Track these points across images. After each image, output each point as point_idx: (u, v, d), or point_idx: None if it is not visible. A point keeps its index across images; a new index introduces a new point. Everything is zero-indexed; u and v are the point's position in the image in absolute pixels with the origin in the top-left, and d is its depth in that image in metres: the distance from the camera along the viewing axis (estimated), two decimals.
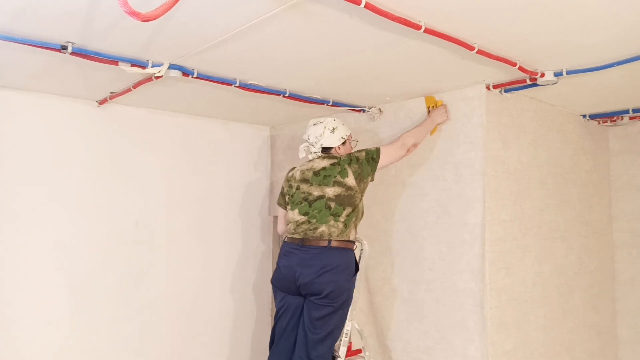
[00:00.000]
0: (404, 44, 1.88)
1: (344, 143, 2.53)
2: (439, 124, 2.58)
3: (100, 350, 2.85)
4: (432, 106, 2.61)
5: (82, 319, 2.80)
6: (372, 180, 2.48)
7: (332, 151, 2.52)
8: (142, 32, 1.79)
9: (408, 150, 2.52)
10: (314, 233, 2.39)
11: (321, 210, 2.40)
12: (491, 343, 2.32)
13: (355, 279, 2.44)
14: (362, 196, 2.47)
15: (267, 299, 3.62)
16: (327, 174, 2.43)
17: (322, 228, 2.37)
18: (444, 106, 2.56)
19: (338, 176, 2.41)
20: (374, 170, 2.45)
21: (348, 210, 2.40)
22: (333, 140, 2.48)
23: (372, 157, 2.44)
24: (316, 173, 2.45)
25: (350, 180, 2.40)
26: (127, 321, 2.95)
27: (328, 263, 2.34)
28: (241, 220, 3.50)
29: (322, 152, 2.52)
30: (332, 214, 2.39)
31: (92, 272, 2.84)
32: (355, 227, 2.49)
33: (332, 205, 2.39)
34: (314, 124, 2.52)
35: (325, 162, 2.47)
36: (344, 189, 2.39)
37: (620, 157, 3.26)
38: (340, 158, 2.47)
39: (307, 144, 2.55)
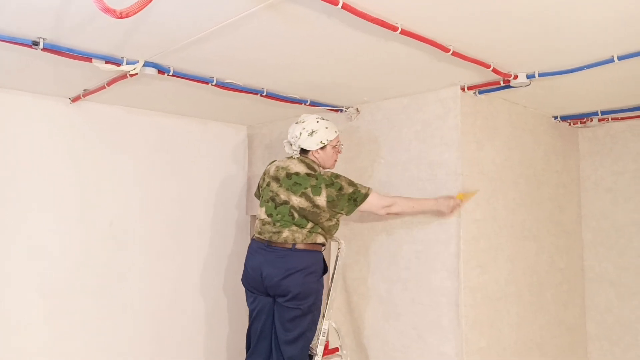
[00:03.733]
0: (380, 46, 1.90)
1: (323, 148, 2.42)
2: (439, 212, 2.39)
3: (76, 352, 2.80)
4: (462, 196, 2.38)
5: (57, 322, 2.74)
6: (347, 215, 2.38)
7: (310, 154, 2.44)
8: (116, 29, 1.76)
9: (388, 214, 2.40)
10: (278, 238, 2.34)
11: (284, 216, 2.35)
12: (466, 340, 2.36)
13: (322, 280, 2.40)
14: (333, 217, 2.36)
15: (243, 299, 3.59)
16: (299, 182, 2.35)
17: (286, 233, 2.33)
18: (458, 203, 2.34)
19: (309, 189, 2.32)
20: (350, 210, 2.34)
21: (312, 224, 2.34)
22: (310, 144, 2.39)
23: (355, 199, 2.32)
24: (288, 176, 2.39)
25: (321, 200, 2.30)
26: (103, 323, 2.90)
27: (293, 265, 2.30)
28: (218, 220, 3.47)
29: (300, 153, 2.47)
30: (295, 224, 2.33)
31: (66, 274, 2.78)
32: (326, 234, 2.40)
33: (296, 215, 2.33)
34: (296, 123, 2.44)
35: (302, 168, 2.38)
36: (310, 205, 2.32)
37: (589, 158, 3.36)
38: (318, 173, 2.36)
39: (287, 141, 2.50)
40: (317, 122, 2.40)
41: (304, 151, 2.45)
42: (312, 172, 2.37)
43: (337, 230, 2.47)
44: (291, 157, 2.49)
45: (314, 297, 2.36)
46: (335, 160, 2.52)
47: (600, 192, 3.29)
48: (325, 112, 3.01)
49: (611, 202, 3.23)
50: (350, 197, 2.32)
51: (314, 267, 2.35)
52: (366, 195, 2.33)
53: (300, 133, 2.39)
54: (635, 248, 3.11)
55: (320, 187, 2.31)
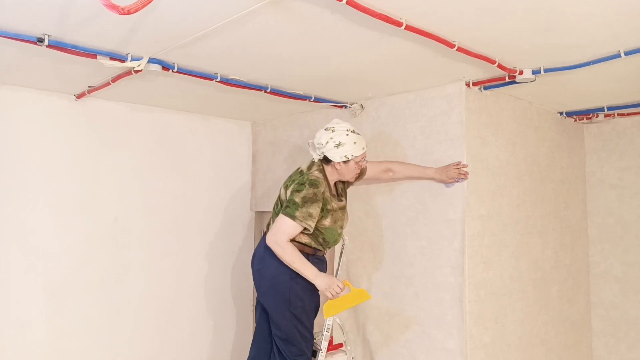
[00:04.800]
0: (385, 41, 1.89)
1: (346, 162, 2.31)
2: (314, 282, 2.25)
3: (77, 350, 2.81)
4: (347, 284, 2.31)
5: (58, 319, 2.75)
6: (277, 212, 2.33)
7: (331, 165, 2.34)
8: (121, 26, 1.76)
9: (275, 243, 2.23)
10: (267, 227, 2.42)
11: (274, 208, 2.43)
12: (470, 336, 2.37)
13: (301, 280, 2.28)
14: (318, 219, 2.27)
15: (248, 296, 3.61)
16: (292, 176, 2.39)
17: (272, 225, 2.38)
18: (337, 289, 2.21)
19: (291, 183, 2.33)
20: (276, 212, 2.33)
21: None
22: (334, 155, 2.28)
23: (287, 206, 2.23)
24: (295, 172, 2.43)
25: (284, 195, 2.34)
26: (104, 320, 2.91)
27: (269, 254, 2.30)
28: (222, 217, 3.48)
29: (323, 159, 2.35)
30: (276, 213, 2.37)
31: (68, 271, 2.79)
32: (312, 237, 2.32)
33: (276, 205, 2.39)
34: (325, 129, 2.31)
35: (304, 165, 2.40)
36: (281, 199, 2.37)
37: (595, 154, 3.34)
38: (307, 172, 2.32)
39: (312, 142, 2.38)
40: (347, 135, 2.27)
41: (327, 158, 2.34)
42: (304, 170, 2.36)
43: (327, 236, 2.35)
44: (312, 162, 2.40)
45: (287, 294, 2.30)
46: (357, 174, 2.42)
47: (605, 188, 3.28)
48: (330, 108, 3.01)
49: (617, 198, 3.22)
50: (289, 203, 2.24)
51: (281, 264, 2.28)
52: (291, 217, 2.20)
53: (327, 142, 2.27)
54: None
55: (293, 182, 2.32)
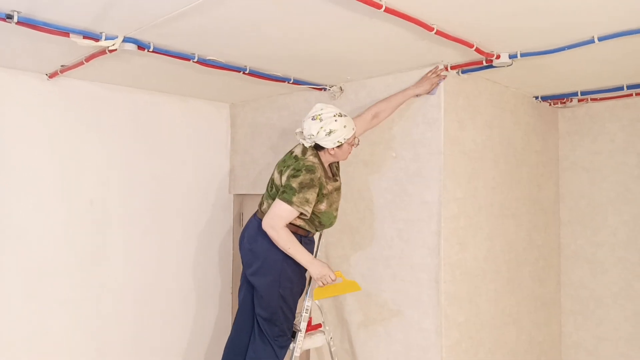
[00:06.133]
0: (364, 23, 1.89)
1: (340, 146, 2.31)
2: (308, 269, 2.30)
3: (56, 332, 2.79)
4: (339, 274, 2.36)
5: (36, 302, 2.72)
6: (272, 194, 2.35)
7: (324, 150, 2.33)
8: (95, 3, 1.71)
9: (271, 228, 2.25)
10: (260, 208, 2.45)
11: (266, 188, 2.46)
12: (445, 316, 2.43)
13: (292, 262, 2.33)
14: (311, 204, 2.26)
15: (227, 278, 3.62)
16: (286, 159, 2.38)
17: (265, 205, 2.41)
18: (328, 279, 2.28)
19: (286, 168, 2.33)
20: (271, 196, 2.36)
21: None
22: (326, 143, 2.28)
23: (284, 192, 2.24)
24: (288, 156, 2.41)
25: (278, 180, 2.35)
26: (85, 303, 2.89)
27: (262, 233, 2.32)
28: (201, 199, 3.46)
29: (315, 146, 2.34)
30: (270, 196, 2.38)
31: (47, 253, 2.75)
32: (307, 221, 2.35)
33: (271, 187, 2.41)
34: (312, 118, 2.28)
35: (298, 150, 2.37)
36: (280, 182, 2.35)
37: (568, 138, 3.42)
38: (302, 157, 2.31)
39: (300, 131, 2.36)
40: (336, 120, 2.25)
41: (319, 145, 2.33)
42: (299, 156, 2.36)
43: (322, 220, 2.37)
44: (305, 150, 2.37)
45: (278, 275, 2.34)
46: (349, 153, 2.42)
47: (578, 171, 3.37)
48: (309, 90, 3.00)
49: (588, 181, 3.31)
50: (285, 189, 2.25)
51: (273, 245, 2.33)
52: (288, 202, 2.21)
53: (318, 132, 2.25)
54: (610, 226, 3.21)
55: (288, 167, 2.32)
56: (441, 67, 2.46)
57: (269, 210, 2.30)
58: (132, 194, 3.10)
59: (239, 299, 2.59)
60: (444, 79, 2.45)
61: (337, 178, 2.49)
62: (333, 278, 2.29)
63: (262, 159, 3.35)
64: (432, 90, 2.47)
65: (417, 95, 2.51)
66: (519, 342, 2.98)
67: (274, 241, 2.29)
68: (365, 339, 2.76)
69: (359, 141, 2.44)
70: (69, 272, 2.83)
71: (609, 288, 3.20)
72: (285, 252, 2.29)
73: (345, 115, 2.32)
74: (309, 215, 2.28)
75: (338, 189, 2.45)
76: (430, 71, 2.47)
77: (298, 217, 2.31)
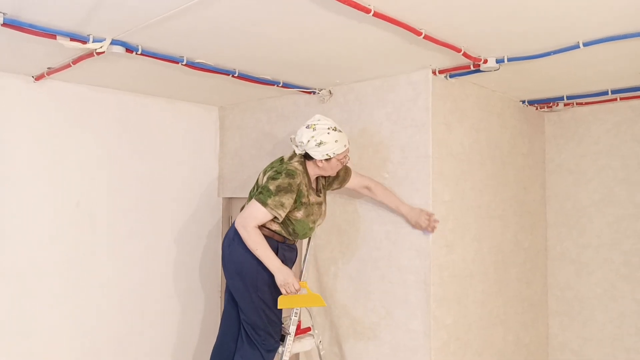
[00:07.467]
0: (353, 27, 1.90)
1: (328, 160, 2.31)
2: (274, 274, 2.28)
3: (43, 333, 2.76)
4: (304, 285, 2.39)
5: (25, 302, 2.69)
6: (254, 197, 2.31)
7: (313, 161, 2.33)
8: (82, 4, 1.70)
9: (242, 226, 2.26)
10: (241, 211, 2.43)
11: (250, 192, 2.45)
12: (433, 317, 2.44)
13: (265, 266, 2.30)
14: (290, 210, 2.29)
15: (216, 280, 3.61)
16: (272, 162, 2.41)
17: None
18: (292, 289, 2.27)
19: (267, 170, 2.36)
20: (250, 197, 2.36)
21: None
22: (315, 154, 2.28)
23: (260, 192, 2.25)
24: (277, 159, 2.43)
25: (261, 180, 2.37)
26: (71, 303, 2.86)
27: (237, 237, 2.32)
28: (189, 202, 3.44)
29: (305, 155, 2.34)
30: (250, 197, 2.38)
31: (34, 254, 2.72)
32: (284, 226, 2.35)
33: (252, 192, 2.41)
34: (307, 126, 2.29)
35: (287, 155, 2.41)
36: (258, 184, 2.39)
37: (554, 141, 3.46)
38: (286, 161, 2.33)
39: (294, 138, 2.36)
40: (329, 133, 2.25)
41: (308, 155, 2.34)
42: (285, 160, 2.38)
43: (297, 228, 2.36)
44: (293, 156, 2.39)
45: (254, 279, 2.32)
46: (338, 169, 2.41)
47: (563, 174, 3.41)
48: (298, 94, 3.00)
49: (573, 183, 3.36)
50: (262, 190, 2.26)
51: (247, 250, 2.31)
52: (263, 203, 2.22)
53: (308, 141, 2.25)
54: (595, 228, 3.25)
55: (272, 168, 2.33)
56: (435, 217, 2.39)
57: (243, 210, 2.30)
58: (120, 195, 3.07)
59: (224, 304, 2.58)
60: (432, 232, 2.39)
61: (321, 195, 2.47)
62: (297, 288, 2.28)
63: (251, 162, 3.35)
64: (417, 226, 2.43)
65: (404, 218, 2.48)
66: (506, 343, 3.01)
67: (244, 240, 2.26)
68: (354, 341, 2.76)
69: (349, 159, 2.43)
70: (57, 272, 2.80)
71: (594, 289, 3.25)
72: (253, 253, 2.26)
73: (341, 131, 2.32)
74: (281, 219, 2.27)
75: (320, 205, 2.43)
76: (428, 213, 2.39)
77: (273, 221, 2.30)
